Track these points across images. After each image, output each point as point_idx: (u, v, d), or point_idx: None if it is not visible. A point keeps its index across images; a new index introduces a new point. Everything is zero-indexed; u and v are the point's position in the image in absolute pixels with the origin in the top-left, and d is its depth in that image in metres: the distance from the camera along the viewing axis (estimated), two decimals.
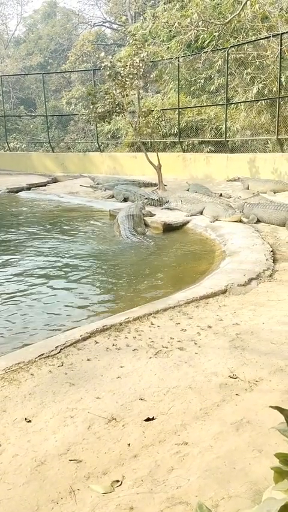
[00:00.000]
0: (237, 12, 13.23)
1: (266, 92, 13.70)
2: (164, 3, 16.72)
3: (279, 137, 12.72)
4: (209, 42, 14.60)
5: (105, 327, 3.80)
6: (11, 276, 5.89)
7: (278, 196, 10.39)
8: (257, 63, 13.86)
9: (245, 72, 14.16)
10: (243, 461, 2.25)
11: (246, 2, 13.06)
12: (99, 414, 2.65)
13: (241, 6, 13.02)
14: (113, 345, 3.52)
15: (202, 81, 15.68)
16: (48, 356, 3.33)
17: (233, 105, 14.72)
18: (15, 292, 5.27)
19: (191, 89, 16.13)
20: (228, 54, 13.62)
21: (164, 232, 8.03)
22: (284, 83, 12.62)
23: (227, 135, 14.17)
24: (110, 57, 12.29)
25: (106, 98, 11.64)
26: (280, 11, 13.47)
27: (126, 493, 2.08)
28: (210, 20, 14.34)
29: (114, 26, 32.12)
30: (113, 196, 11.63)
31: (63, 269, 6.18)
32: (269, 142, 13.94)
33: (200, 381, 2.98)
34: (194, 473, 2.18)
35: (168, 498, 2.03)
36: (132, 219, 7.93)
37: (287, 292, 4.66)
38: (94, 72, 17.49)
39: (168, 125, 15.73)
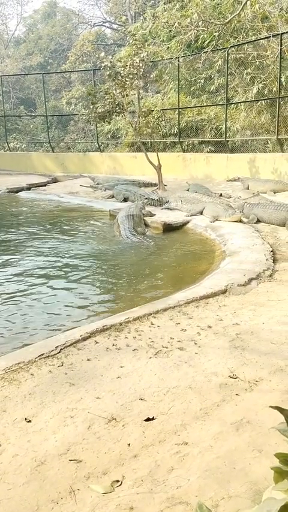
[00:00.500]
0: (237, 12, 13.23)
1: (266, 92, 13.70)
2: (164, 3, 16.73)
3: (279, 137, 12.72)
4: (209, 42, 14.60)
5: (105, 327, 3.79)
6: (11, 276, 5.89)
7: (278, 196, 10.39)
8: (257, 63, 13.86)
9: (245, 72, 14.16)
10: (243, 461, 2.25)
11: (246, 2, 13.06)
12: (99, 414, 2.65)
13: (241, 6, 13.02)
14: (113, 345, 3.52)
15: (202, 81, 15.68)
16: (48, 356, 3.33)
17: (233, 105, 14.72)
18: (15, 292, 5.27)
19: (191, 89, 16.13)
20: (228, 54, 13.62)
21: (164, 232, 8.03)
22: (284, 83, 12.62)
23: (227, 135, 14.17)
24: (110, 57, 12.30)
25: (106, 98, 11.64)
26: (280, 11, 13.47)
27: (126, 493, 2.08)
28: (210, 20, 14.34)
29: (114, 26, 32.12)
30: (113, 196, 11.63)
31: (63, 269, 6.18)
32: (269, 142, 13.94)
33: (200, 381, 2.98)
34: (194, 473, 2.18)
35: (168, 498, 2.03)
36: (132, 219, 7.93)
37: (287, 292, 4.66)
38: (94, 72, 17.49)
39: (168, 125, 15.73)
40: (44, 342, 3.63)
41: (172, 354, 3.37)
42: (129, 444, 2.41)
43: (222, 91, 14.89)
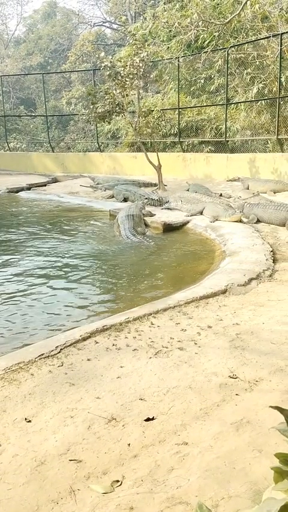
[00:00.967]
0: (237, 12, 13.23)
1: (266, 91, 13.70)
2: (164, 3, 16.72)
3: (279, 137, 12.72)
4: (209, 42, 14.60)
5: (105, 327, 3.79)
6: (11, 276, 5.89)
7: (278, 196, 10.38)
8: (257, 63, 13.86)
9: (245, 72, 14.16)
10: (243, 461, 2.25)
11: (246, 2, 13.06)
12: (99, 414, 2.65)
13: (241, 6, 13.02)
14: (113, 345, 3.52)
15: (202, 81, 15.68)
16: (48, 356, 3.32)
17: (233, 105, 14.73)
18: (15, 292, 5.27)
19: (191, 89, 16.13)
20: (228, 54, 13.62)
21: (164, 232, 8.03)
22: (284, 83, 12.63)
23: (227, 135, 14.17)
24: (110, 57, 12.29)
25: (106, 98, 11.64)
26: (280, 11, 13.47)
27: (126, 493, 2.08)
28: (210, 20, 14.34)
29: (114, 26, 32.12)
30: (113, 196, 11.63)
31: (63, 269, 6.18)
32: (269, 142, 13.94)
33: (200, 381, 2.98)
34: (194, 473, 2.18)
35: (168, 498, 2.03)
36: (132, 219, 7.93)
37: (287, 292, 4.66)
38: (94, 72, 17.49)
39: (168, 125, 15.73)
40: (44, 342, 3.63)
41: (172, 354, 3.36)
42: (129, 444, 2.41)
43: (222, 91, 14.89)
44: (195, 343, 3.53)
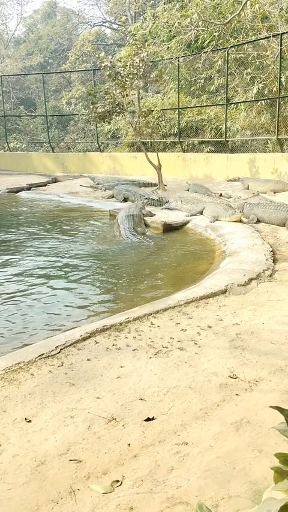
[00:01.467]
0: (237, 12, 13.22)
1: (266, 91, 13.70)
2: (164, 3, 16.72)
3: (279, 137, 12.71)
4: (209, 42, 14.59)
5: (105, 327, 3.79)
6: (11, 276, 5.89)
7: (278, 196, 10.38)
8: (257, 63, 13.86)
9: (245, 72, 14.16)
10: (243, 461, 2.25)
11: (246, 2, 13.05)
12: (99, 414, 2.65)
13: (241, 6, 13.02)
14: (113, 345, 3.52)
15: (202, 81, 15.68)
16: (48, 356, 3.33)
17: (233, 105, 14.72)
18: (15, 292, 5.27)
19: (191, 89, 16.13)
20: (228, 54, 13.61)
21: (164, 232, 8.03)
22: (284, 83, 12.62)
23: (227, 135, 14.17)
24: (110, 57, 12.28)
25: (106, 98, 11.64)
26: (280, 11, 13.46)
27: (126, 493, 2.08)
28: (210, 20, 14.33)
29: (114, 26, 32.11)
30: (113, 196, 11.64)
31: (63, 269, 6.18)
32: (269, 142, 13.94)
33: (200, 381, 2.98)
34: (194, 473, 2.18)
35: (168, 498, 2.03)
36: (132, 219, 7.93)
37: (287, 292, 4.66)
38: (94, 72, 17.49)
39: (168, 125, 15.72)
40: (44, 342, 3.63)
41: (172, 354, 3.37)
42: (129, 444, 2.41)
43: (222, 91, 14.89)
44: (195, 343, 3.53)
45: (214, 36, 14.50)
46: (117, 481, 2.15)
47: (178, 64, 15.11)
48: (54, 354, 3.36)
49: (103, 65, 11.31)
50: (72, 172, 16.73)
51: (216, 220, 8.09)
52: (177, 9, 15.81)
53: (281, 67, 12.34)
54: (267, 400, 2.74)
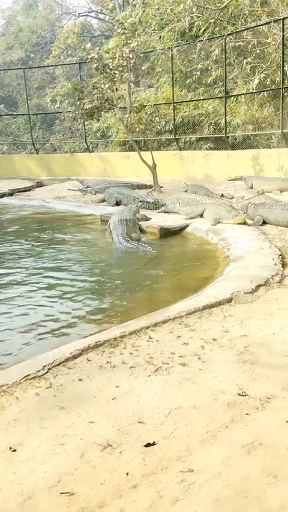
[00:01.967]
0: None
1: (268, 82, 13.81)
2: None
3: (284, 131, 12.78)
4: (205, 30, 14.73)
5: (98, 343, 3.76)
6: None
7: (284, 195, 10.42)
8: (258, 51, 13.99)
9: (245, 61, 14.28)
10: (256, 488, 2.20)
11: None
12: (93, 440, 2.60)
13: None
14: (107, 362, 3.48)
15: (198, 73, 15.80)
16: (34, 377, 3.28)
17: (232, 97, 14.83)
18: None
19: (187, 82, 16.25)
20: (225, 42, 13.73)
21: (161, 237, 8.03)
22: (287, 72, 12.71)
23: (227, 131, 14.24)
24: (98, 48, 12.34)
25: (94, 93, 11.68)
26: None
27: None
28: (206, 5, 14.47)
29: (101, 16, 32.38)
30: (104, 200, 11.68)
31: (50, 280, 6.14)
32: (273, 137, 14.02)
33: (206, 400, 2.94)
34: (201, 503, 2.13)
35: None
36: (126, 224, 7.93)
37: None
38: (80, 66, 17.62)
39: (162, 121, 15.81)
40: (30, 361, 3.58)
41: (173, 370, 3.33)
42: (127, 473, 2.36)
43: (220, 83, 15.00)
44: (199, 358, 3.50)
45: (210, 23, 14.62)
46: None
47: (172, 55, 15.22)
48: (42, 375, 3.31)
49: (89, 57, 11.36)
50: (58, 175, 16.79)
51: (218, 222, 8.09)
52: None
53: (284, 55, 12.45)
54: (282, 418, 2.70)
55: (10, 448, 2.58)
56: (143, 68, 13.17)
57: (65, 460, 2.47)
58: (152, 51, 16.17)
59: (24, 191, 14.55)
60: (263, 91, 13.91)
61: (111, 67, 11.37)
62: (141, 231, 8.31)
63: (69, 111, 14.44)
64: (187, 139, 15.78)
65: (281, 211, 7.92)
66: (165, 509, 2.12)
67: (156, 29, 16.69)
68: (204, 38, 14.53)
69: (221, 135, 14.65)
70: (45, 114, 23.80)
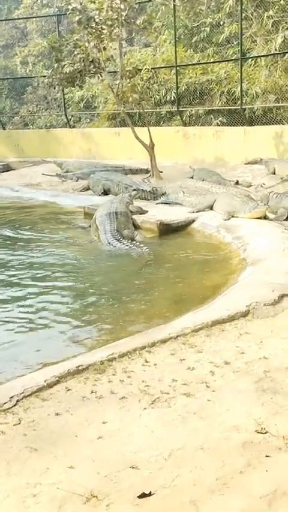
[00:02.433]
0: None
1: None
2: None
3: None
4: None
5: (80, 368, 3.77)
6: None
7: None
8: (282, 2, 14.03)
9: (266, 15, 14.34)
10: None
11: None
12: (73, 490, 2.61)
13: None
14: (92, 392, 3.50)
15: (207, 29, 15.87)
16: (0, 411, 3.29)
17: (250, 60, 14.87)
18: None
19: (193, 40, 16.31)
20: None
21: (160, 235, 8.08)
22: None
23: (244, 102, 14.29)
24: None
25: (76, 53, 11.73)
26: None
27: None
28: None
29: None
30: (88, 188, 11.73)
31: (21, 290, 6.19)
32: None
33: (216, 439, 2.96)
34: None
35: None
36: (116, 219, 7.95)
37: None
38: (59, 19, 17.69)
39: (162, 89, 15.87)
40: None
41: (175, 402, 3.35)
42: None
43: (235, 42, 15.05)
44: (208, 387, 3.52)
45: None
46: None
47: (174, 6, 15.26)
48: (8, 408, 3.33)
49: (70, 7, 11.39)
50: (31, 157, 16.82)
51: (232, 217, 8.12)
52: None
53: None
54: None
55: None
56: (137, 22, 13.21)
57: None
58: (150, 0, 16.21)
59: None
60: None
61: (97, 20, 11.40)
62: (136, 227, 8.35)
63: (44, 76, 14.44)
64: (193, 112, 15.81)
65: None
66: None
67: None
68: None
69: (235, 107, 14.69)
70: (14, 80, 23.80)
